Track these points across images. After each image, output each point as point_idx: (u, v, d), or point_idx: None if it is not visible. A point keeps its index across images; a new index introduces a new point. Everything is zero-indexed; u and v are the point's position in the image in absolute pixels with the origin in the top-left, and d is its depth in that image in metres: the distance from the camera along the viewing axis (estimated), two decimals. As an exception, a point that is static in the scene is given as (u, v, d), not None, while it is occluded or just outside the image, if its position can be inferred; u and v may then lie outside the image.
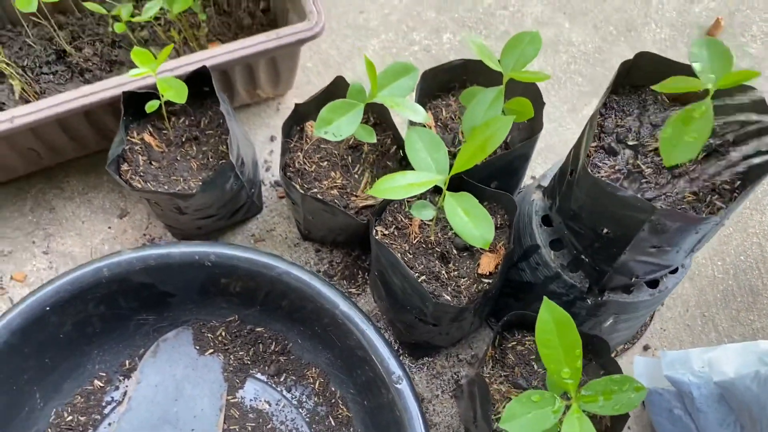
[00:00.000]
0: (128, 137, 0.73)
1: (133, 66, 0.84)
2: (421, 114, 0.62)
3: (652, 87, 0.50)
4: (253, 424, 0.74)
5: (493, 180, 0.73)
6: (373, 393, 0.70)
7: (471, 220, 0.57)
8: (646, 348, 0.82)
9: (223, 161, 0.73)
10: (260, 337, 0.77)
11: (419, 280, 0.66)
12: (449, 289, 0.67)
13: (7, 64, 0.78)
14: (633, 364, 0.73)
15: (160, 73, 0.71)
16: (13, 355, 0.67)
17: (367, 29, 1.00)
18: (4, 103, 0.79)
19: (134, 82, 0.72)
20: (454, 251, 0.69)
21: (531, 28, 1.02)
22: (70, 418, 0.73)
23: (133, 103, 0.73)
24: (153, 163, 0.73)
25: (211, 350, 0.76)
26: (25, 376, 0.70)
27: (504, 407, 0.65)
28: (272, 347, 0.77)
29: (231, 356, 0.76)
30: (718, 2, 1.06)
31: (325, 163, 0.74)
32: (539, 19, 1.03)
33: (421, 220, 0.70)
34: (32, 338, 0.68)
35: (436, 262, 0.68)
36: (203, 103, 0.76)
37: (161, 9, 0.75)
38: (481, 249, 0.70)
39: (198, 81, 0.74)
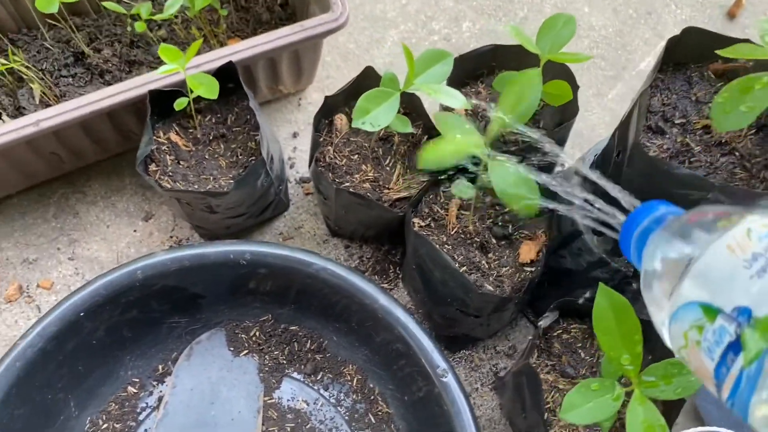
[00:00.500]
0: (155, 137, 0.72)
1: (152, 66, 0.83)
2: (459, 99, 0.60)
3: (717, 51, 0.48)
4: (292, 425, 0.72)
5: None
6: (413, 388, 0.69)
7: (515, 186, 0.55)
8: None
9: (253, 158, 0.72)
10: (295, 335, 0.76)
11: (460, 271, 0.65)
12: (491, 278, 0.65)
13: (27, 67, 0.76)
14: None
15: (187, 69, 0.69)
16: (48, 362, 0.66)
17: (385, 20, 0.98)
18: (24, 108, 0.77)
19: (158, 80, 0.71)
20: (493, 240, 0.68)
21: (550, 13, 1.00)
22: (106, 425, 0.72)
23: (158, 103, 0.71)
24: (181, 162, 0.72)
25: (246, 351, 0.75)
26: (59, 385, 0.68)
27: (552, 397, 0.64)
28: (308, 345, 0.76)
29: (266, 356, 0.75)
30: (738, -19, 1.05)
31: (356, 156, 0.73)
32: (558, 5, 1.02)
33: (458, 211, 0.69)
34: (66, 345, 0.67)
35: (476, 252, 0.67)
36: (228, 100, 0.75)
37: (180, 6, 0.74)
38: (520, 237, 0.68)
39: (221, 78, 0.72)
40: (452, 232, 0.68)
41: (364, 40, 0.97)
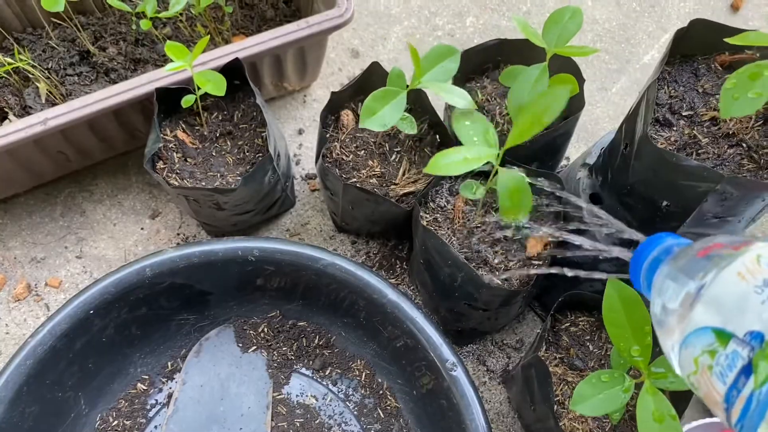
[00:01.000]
0: (162, 135, 0.72)
1: (157, 64, 0.83)
2: (465, 99, 0.60)
3: (726, 39, 0.48)
4: (302, 420, 0.73)
5: (533, 161, 0.71)
6: (421, 382, 0.69)
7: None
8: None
9: (260, 155, 0.72)
10: (303, 331, 0.76)
11: (470, 265, 0.65)
12: (498, 272, 0.66)
13: (33, 66, 0.76)
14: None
15: (193, 67, 0.69)
16: (58, 360, 0.66)
17: (389, 16, 0.99)
18: (30, 107, 0.78)
19: (164, 78, 0.71)
20: (500, 234, 0.68)
21: (553, 7, 1.01)
22: (116, 422, 0.72)
23: (164, 101, 0.71)
24: (188, 160, 0.72)
25: (254, 347, 0.75)
26: (70, 382, 0.69)
27: (560, 389, 0.64)
28: (316, 341, 0.76)
29: (275, 352, 0.75)
30: (741, -27, 1.05)
31: (362, 152, 0.73)
32: (561, -1, 1.02)
33: (465, 206, 0.69)
34: (76, 343, 0.67)
35: (483, 245, 0.67)
36: (234, 97, 0.75)
37: (185, 4, 0.74)
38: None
39: (227, 75, 0.72)
40: (459, 226, 0.68)
41: (369, 36, 0.97)
